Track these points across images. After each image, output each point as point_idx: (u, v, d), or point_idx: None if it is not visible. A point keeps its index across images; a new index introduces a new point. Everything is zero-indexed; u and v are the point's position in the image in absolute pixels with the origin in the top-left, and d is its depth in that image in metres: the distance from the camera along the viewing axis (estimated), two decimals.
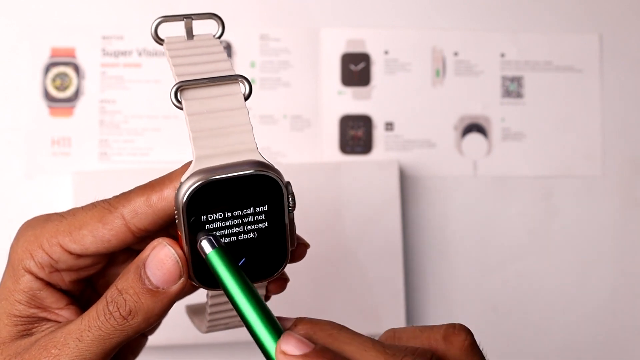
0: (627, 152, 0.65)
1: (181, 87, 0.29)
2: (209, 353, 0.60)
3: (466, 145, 0.63)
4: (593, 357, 0.64)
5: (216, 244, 0.28)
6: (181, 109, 0.29)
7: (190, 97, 0.29)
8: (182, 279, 0.28)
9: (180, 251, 0.28)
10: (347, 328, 0.27)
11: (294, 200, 0.29)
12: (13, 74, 0.61)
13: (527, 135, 0.64)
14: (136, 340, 0.36)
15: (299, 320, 0.27)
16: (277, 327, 0.26)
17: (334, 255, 0.59)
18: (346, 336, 0.26)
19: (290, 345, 0.25)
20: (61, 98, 0.61)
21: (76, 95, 0.61)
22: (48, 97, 0.61)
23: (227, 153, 0.28)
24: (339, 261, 0.59)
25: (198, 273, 0.29)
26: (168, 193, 0.29)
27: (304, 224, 0.59)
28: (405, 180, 0.63)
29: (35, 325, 0.30)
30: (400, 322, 0.59)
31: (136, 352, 0.36)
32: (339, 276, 0.59)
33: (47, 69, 0.61)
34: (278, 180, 0.28)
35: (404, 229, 0.62)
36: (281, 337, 0.26)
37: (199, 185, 0.27)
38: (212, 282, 0.29)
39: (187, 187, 0.27)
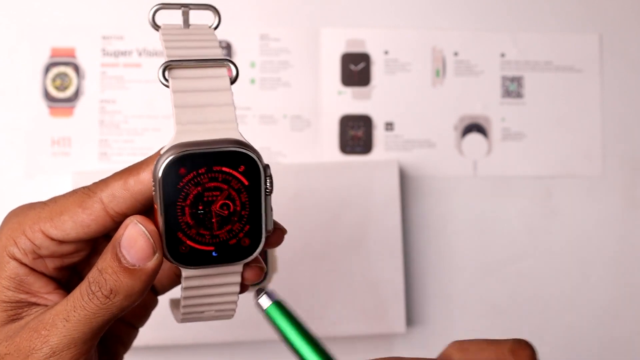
0: (627, 152, 0.65)
1: (169, 66, 0.29)
2: (209, 353, 0.60)
3: (466, 145, 0.63)
4: (593, 357, 0.64)
5: (272, 299, 0.29)
6: (167, 86, 0.29)
7: (176, 76, 0.29)
8: (157, 254, 0.28)
9: (152, 227, 0.28)
10: (404, 357, 0.27)
11: (271, 183, 0.29)
12: (13, 74, 0.61)
13: (527, 135, 0.64)
14: (126, 332, 0.36)
15: None
16: None
17: (334, 255, 0.59)
18: None
19: None
20: (61, 98, 0.61)
21: (76, 95, 0.61)
22: (48, 97, 0.61)
23: (208, 130, 0.28)
24: (338, 261, 0.59)
25: (172, 250, 0.29)
26: (145, 176, 0.29)
27: (304, 224, 0.60)
28: (405, 180, 0.63)
29: (25, 309, 0.31)
30: (400, 322, 0.59)
31: (127, 344, 0.36)
32: (339, 276, 0.59)
33: (47, 69, 0.61)
34: (256, 159, 0.28)
35: (404, 229, 0.62)
36: None
37: (177, 157, 0.27)
38: (186, 259, 0.29)
39: (165, 158, 0.28)
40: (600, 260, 0.64)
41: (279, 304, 0.29)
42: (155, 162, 0.28)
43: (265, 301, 0.29)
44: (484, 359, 0.27)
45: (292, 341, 0.28)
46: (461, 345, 0.28)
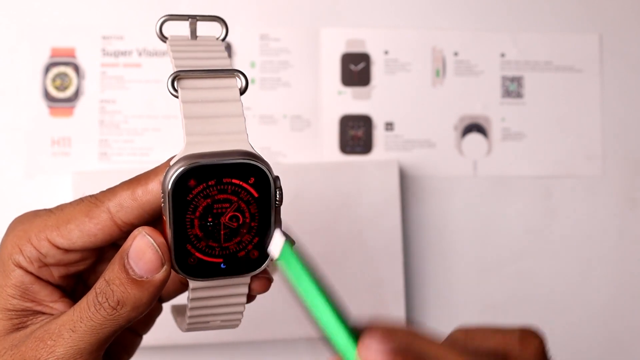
0: (627, 152, 0.65)
1: (178, 77, 0.29)
2: (209, 353, 0.60)
3: (466, 145, 0.63)
4: (593, 357, 0.64)
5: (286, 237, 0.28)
6: (177, 97, 0.29)
7: (186, 86, 0.29)
8: (165, 266, 0.28)
9: (160, 239, 0.28)
10: (423, 331, 0.26)
11: (281, 194, 0.29)
12: (13, 74, 0.61)
13: (527, 135, 0.64)
14: (130, 339, 0.36)
15: (374, 323, 0.26)
16: (354, 328, 0.26)
17: (334, 255, 0.59)
18: (425, 338, 0.26)
19: (372, 350, 0.24)
20: (61, 98, 0.61)
21: (76, 95, 0.61)
22: (48, 97, 0.61)
23: (218, 141, 0.28)
24: (338, 261, 0.59)
25: (180, 261, 0.29)
26: (153, 186, 0.29)
27: (304, 224, 0.60)
28: (405, 180, 0.63)
29: (30, 318, 0.31)
30: (399, 322, 0.59)
31: (130, 351, 0.36)
32: (338, 276, 0.59)
33: (47, 69, 0.61)
34: (266, 171, 0.28)
35: (404, 229, 0.62)
36: (364, 340, 0.25)
37: (186, 169, 0.27)
38: (194, 271, 0.29)
39: (175, 170, 0.27)
40: (600, 260, 0.64)
41: (289, 251, 0.28)
42: (164, 174, 0.28)
43: (277, 247, 0.28)
44: (491, 348, 0.26)
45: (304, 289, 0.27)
46: (467, 333, 0.27)
